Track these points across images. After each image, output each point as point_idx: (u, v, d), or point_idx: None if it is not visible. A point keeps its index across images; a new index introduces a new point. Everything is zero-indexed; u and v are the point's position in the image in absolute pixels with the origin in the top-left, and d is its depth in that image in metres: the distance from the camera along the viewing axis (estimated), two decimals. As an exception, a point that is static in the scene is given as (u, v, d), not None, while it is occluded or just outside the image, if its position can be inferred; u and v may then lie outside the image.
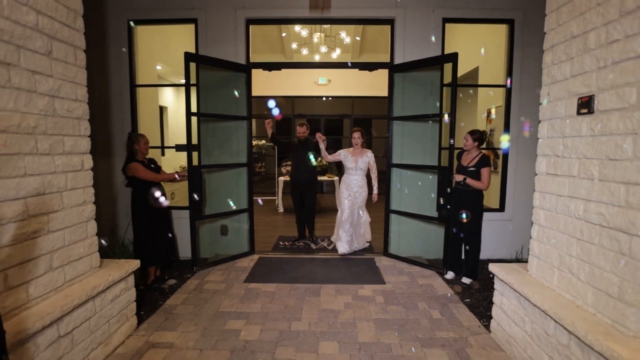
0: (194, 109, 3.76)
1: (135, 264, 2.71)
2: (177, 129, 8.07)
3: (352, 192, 4.45)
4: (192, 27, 4.18)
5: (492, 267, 2.61)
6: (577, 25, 1.92)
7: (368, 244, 4.82)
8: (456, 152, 3.78)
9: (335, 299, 3.27)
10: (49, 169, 2.03)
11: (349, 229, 4.47)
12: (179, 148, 4.40)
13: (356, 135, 4.43)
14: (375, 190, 4.47)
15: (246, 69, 4.21)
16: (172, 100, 8.22)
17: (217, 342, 2.54)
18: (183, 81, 3.71)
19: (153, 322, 2.85)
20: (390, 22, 4.20)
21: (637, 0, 1.53)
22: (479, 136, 3.56)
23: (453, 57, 3.64)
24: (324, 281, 3.66)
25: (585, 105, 1.85)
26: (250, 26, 4.29)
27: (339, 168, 8.82)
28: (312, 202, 4.94)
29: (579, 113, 1.91)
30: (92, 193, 2.42)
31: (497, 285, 2.61)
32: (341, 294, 3.36)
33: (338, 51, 7.47)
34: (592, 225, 1.83)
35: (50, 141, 2.04)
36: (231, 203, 4.24)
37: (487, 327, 2.77)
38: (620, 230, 1.65)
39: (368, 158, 4.44)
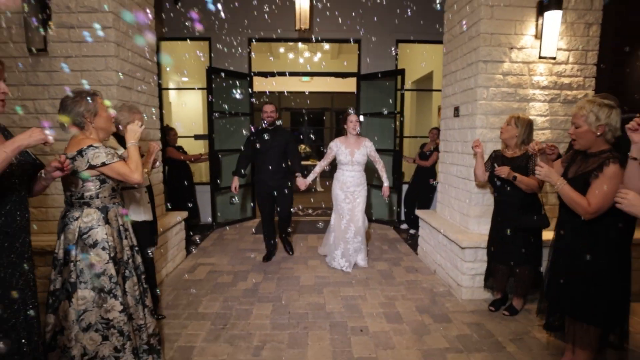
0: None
1: (185, 213, 4.05)
2: (179, 121, 9.21)
3: (349, 192, 3.66)
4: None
5: (417, 212, 4.12)
6: (453, 66, 3.37)
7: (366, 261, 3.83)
8: (408, 139, 5.30)
9: (318, 241, 4.72)
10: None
11: (353, 240, 3.66)
12: (197, 137, 5.69)
13: (354, 118, 3.62)
14: (385, 183, 3.68)
15: (249, 77, 5.51)
16: (174, 97, 9.34)
17: (242, 262, 3.95)
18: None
19: (195, 254, 4.22)
20: (357, 41, 5.58)
21: (470, 60, 2.99)
22: (438, 132, 5.13)
23: (402, 72, 5.09)
24: (310, 233, 5.11)
25: (456, 112, 3.32)
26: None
27: (319, 155, 10.16)
28: (287, 208, 3.90)
29: (454, 116, 3.38)
30: (160, 166, 3.73)
31: (420, 222, 4.10)
32: (322, 239, 4.80)
33: (319, 55, 8.81)
34: (458, 178, 3.33)
35: (145, 132, 3.34)
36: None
37: (417, 253, 4.28)
38: (467, 179, 3.15)
39: (367, 149, 3.68)
